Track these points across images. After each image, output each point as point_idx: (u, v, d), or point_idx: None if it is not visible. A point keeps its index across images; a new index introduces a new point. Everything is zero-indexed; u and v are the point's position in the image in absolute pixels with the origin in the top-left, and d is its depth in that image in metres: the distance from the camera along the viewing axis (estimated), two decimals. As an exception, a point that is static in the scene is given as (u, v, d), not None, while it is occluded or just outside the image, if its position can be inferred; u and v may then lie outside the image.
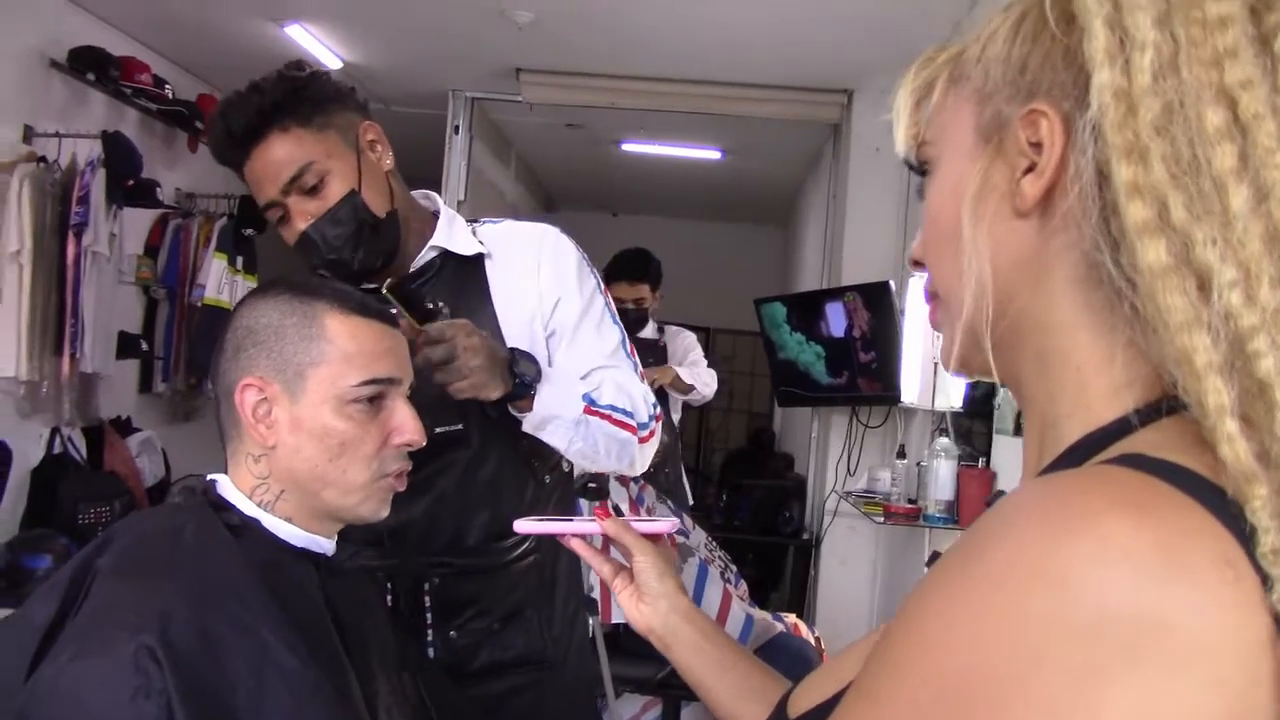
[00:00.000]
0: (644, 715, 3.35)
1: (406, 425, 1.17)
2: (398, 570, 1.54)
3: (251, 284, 4.53)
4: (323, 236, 1.45)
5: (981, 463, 3.20)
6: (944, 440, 3.19)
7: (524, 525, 1.06)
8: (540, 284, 1.56)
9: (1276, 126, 0.48)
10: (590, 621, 2.65)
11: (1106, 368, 0.54)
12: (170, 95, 4.39)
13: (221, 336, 1.16)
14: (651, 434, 1.57)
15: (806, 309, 4.44)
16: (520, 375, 1.42)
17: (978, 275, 0.58)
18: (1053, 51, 0.55)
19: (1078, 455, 0.54)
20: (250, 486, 1.13)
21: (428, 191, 1.66)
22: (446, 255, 1.57)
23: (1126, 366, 0.54)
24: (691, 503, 4.44)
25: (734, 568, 3.40)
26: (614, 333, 1.60)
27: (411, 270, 1.56)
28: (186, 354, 4.70)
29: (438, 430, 1.48)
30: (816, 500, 4.66)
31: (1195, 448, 0.49)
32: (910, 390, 3.80)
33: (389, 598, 1.54)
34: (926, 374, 3.65)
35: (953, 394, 3.46)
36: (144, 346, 4.58)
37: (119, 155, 3.93)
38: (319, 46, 4.40)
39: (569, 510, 1.72)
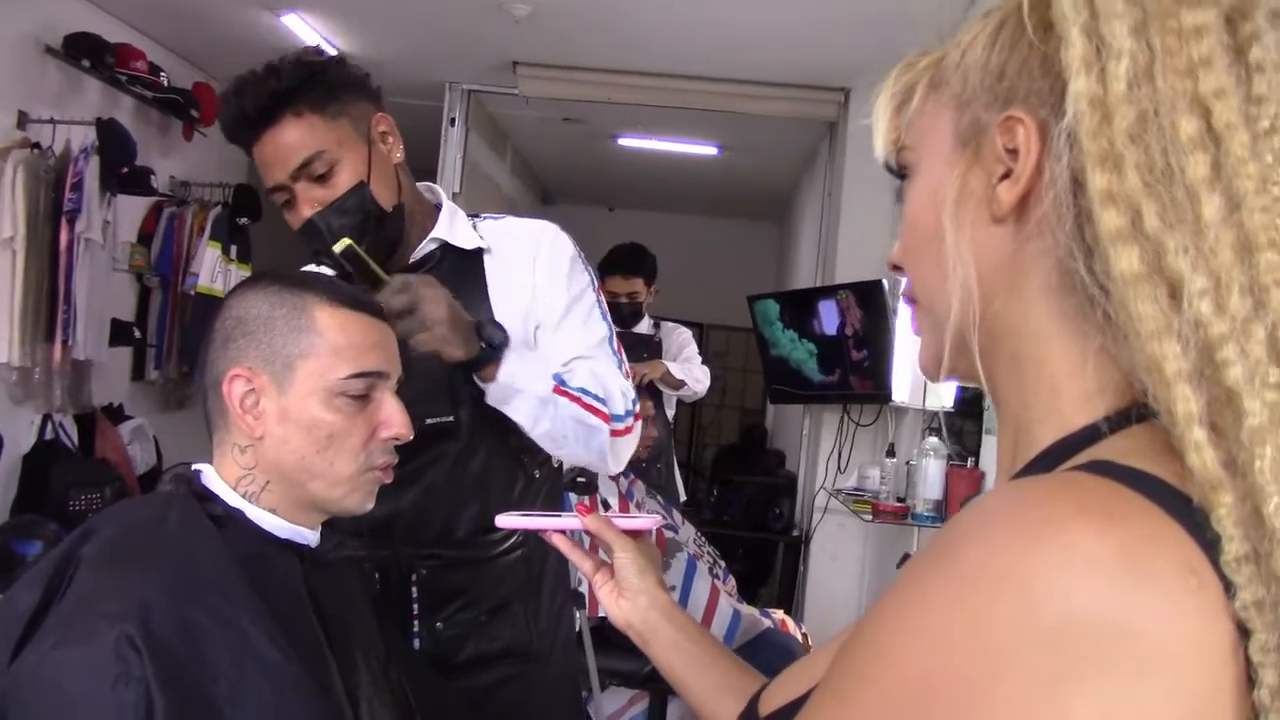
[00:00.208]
0: (630, 709, 3.36)
1: (394, 419, 1.17)
2: (386, 561, 1.54)
3: (245, 273, 4.53)
4: (328, 225, 1.45)
5: (971, 462, 3.21)
6: (933, 439, 3.20)
7: (506, 520, 1.06)
8: (534, 279, 1.56)
9: (1249, 136, 0.49)
10: (577, 615, 2.66)
11: (1079, 374, 0.55)
12: (166, 83, 4.37)
13: (210, 326, 1.16)
14: (628, 430, 1.53)
15: (799, 306, 4.44)
16: (488, 339, 1.42)
17: (963, 280, 0.58)
18: (1030, 59, 0.56)
19: (1049, 460, 0.54)
20: (236, 477, 1.13)
21: (431, 185, 1.66)
22: (446, 248, 1.57)
23: (1098, 373, 0.54)
24: (684, 498, 4.45)
25: (723, 563, 3.41)
26: (601, 328, 1.60)
27: (411, 261, 1.57)
28: (179, 342, 4.70)
29: (428, 421, 1.48)
30: (807, 497, 4.67)
31: (1163, 455, 0.49)
32: (901, 389, 3.80)
33: (376, 588, 1.55)
34: (918, 373, 3.65)
35: (944, 394, 3.47)
36: (137, 334, 4.58)
37: (113, 142, 3.93)
38: (315, 36, 4.38)
39: (557, 505, 1.72)
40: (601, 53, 4.52)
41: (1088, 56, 0.51)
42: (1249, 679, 0.45)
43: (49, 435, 4.02)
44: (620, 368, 1.58)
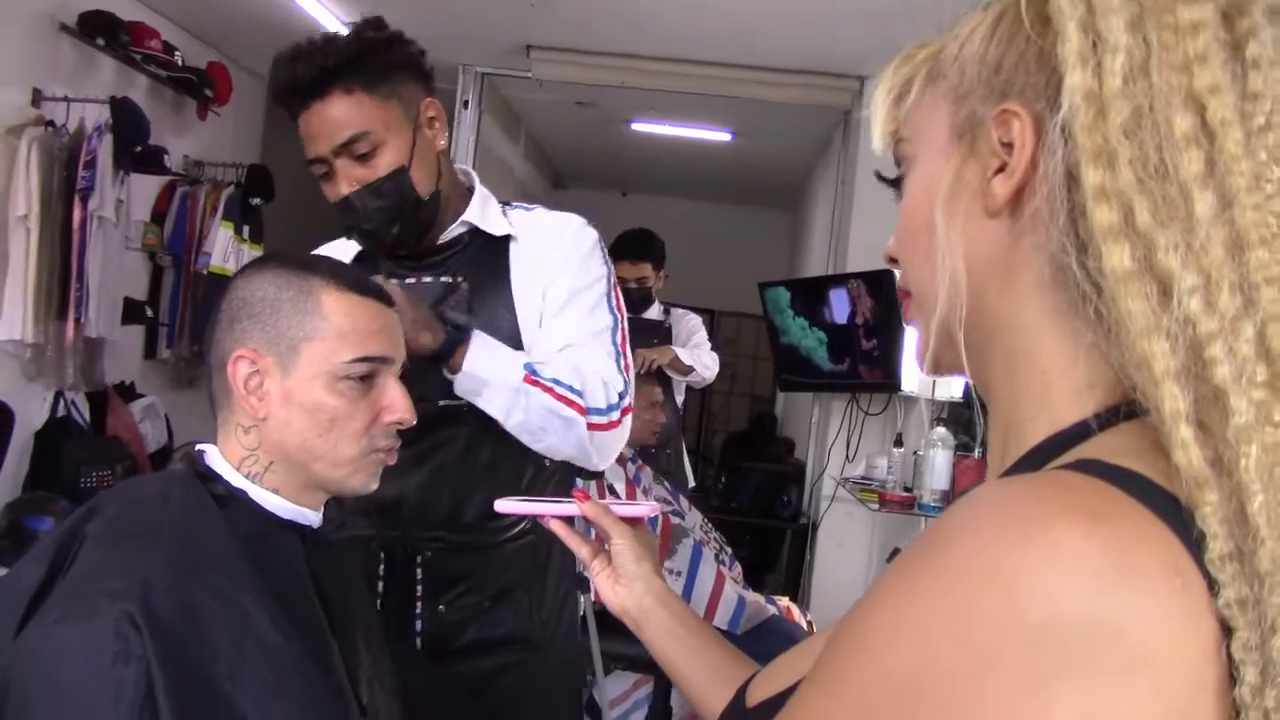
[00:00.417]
0: (634, 693, 3.37)
1: (397, 404, 1.18)
2: (392, 542, 1.55)
3: (258, 253, 4.54)
4: (364, 205, 1.46)
5: (978, 453, 3.21)
6: (940, 430, 3.20)
7: (505, 505, 1.06)
8: (552, 268, 1.56)
9: (1243, 133, 0.49)
10: (581, 599, 2.67)
11: (1070, 370, 0.55)
12: (180, 62, 4.38)
13: (216, 307, 1.17)
14: (611, 425, 1.50)
15: (810, 294, 4.43)
16: (451, 321, 1.42)
17: (951, 273, 0.58)
18: (1027, 53, 0.55)
19: (1038, 458, 0.54)
20: (239, 457, 1.14)
21: (466, 169, 1.66)
22: (475, 232, 1.58)
23: (1089, 369, 0.54)
24: (693, 484, 4.45)
25: (729, 550, 3.41)
26: (606, 318, 1.58)
27: (439, 243, 1.57)
28: (191, 321, 4.71)
29: (440, 404, 1.48)
30: (815, 485, 4.67)
31: (1151, 453, 0.49)
32: (911, 379, 3.80)
33: (381, 568, 1.55)
34: (926, 364, 3.65)
35: (953, 384, 3.46)
36: (149, 313, 4.60)
37: (126, 121, 3.93)
38: (329, 16, 4.38)
39: (568, 495, 1.72)
40: (615, 37, 4.51)
41: (1084, 51, 0.51)
42: (1231, 677, 0.45)
43: (61, 412, 4.04)
44: (618, 361, 1.56)
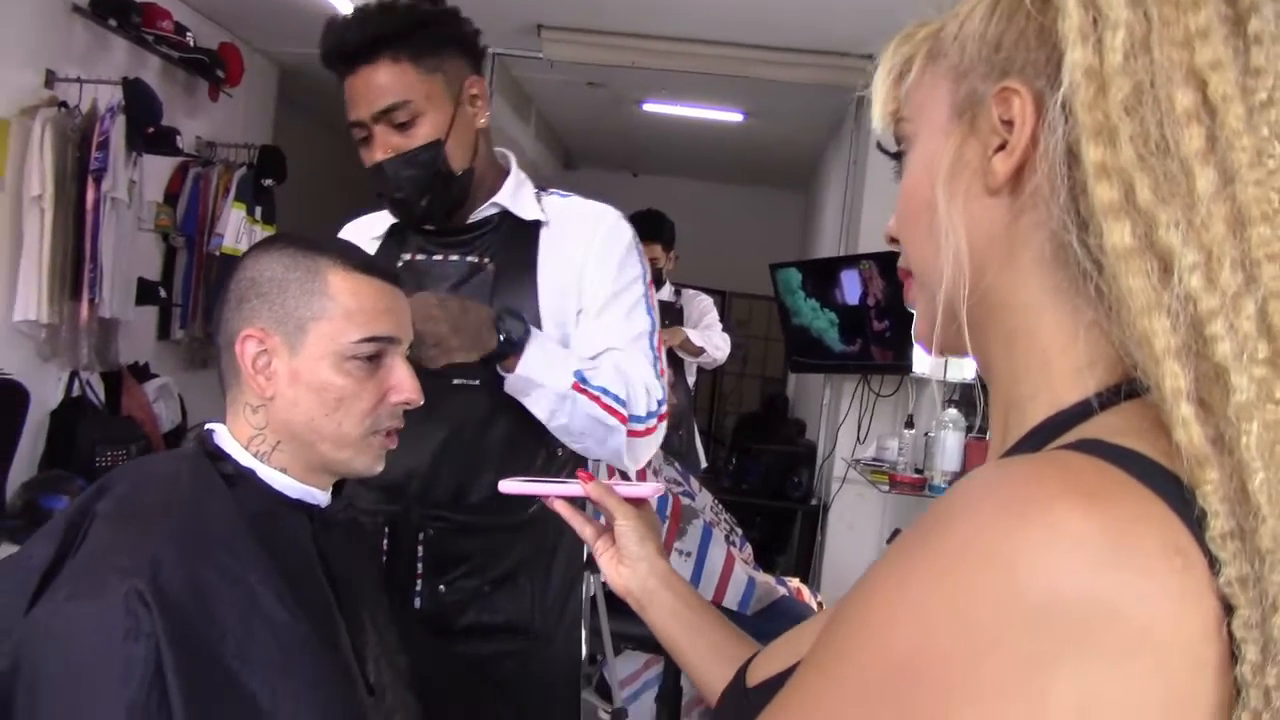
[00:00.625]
0: (644, 672, 3.39)
1: (404, 384, 1.18)
2: (397, 517, 1.55)
3: (270, 234, 4.55)
4: (396, 173, 1.47)
5: (989, 435, 3.21)
6: (952, 411, 3.19)
7: (509, 486, 1.06)
8: (586, 262, 1.56)
9: (1245, 109, 0.48)
10: (591, 579, 2.68)
11: (1070, 349, 0.54)
12: (192, 43, 4.38)
13: (225, 287, 1.17)
14: (649, 430, 1.52)
15: (822, 276, 4.42)
16: (506, 332, 1.41)
17: (954, 251, 0.58)
18: (1027, 29, 0.55)
19: (1039, 438, 0.54)
20: (247, 437, 1.14)
21: (505, 152, 1.66)
22: (506, 214, 1.58)
23: (1089, 348, 0.54)
24: (705, 465, 4.46)
25: (739, 531, 3.42)
26: (643, 322, 1.57)
27: (469, 222, 1.58)
28: (204, 302, 4.73)
29: (455, 382, 1.49)
30: (826, 466, 4.67)
31: (1153, 432, 0.49)
32: (922, 360, 3.79)
33: (385, 543, 1.56)
34: (938, 345, 3.64)
35: (965, 365, 3.45)
36: (162, 294, 4.62)
37: (139, 102, 3.94)
38: (341, -4, 4.38)
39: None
40: (626, 17, 4.49)
41: (1084, 27, 0.50)
42: (1232, 655, 0.45)
43: (76, 392, 4.06)
44: (654, 365, 1.56)
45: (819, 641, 0.52)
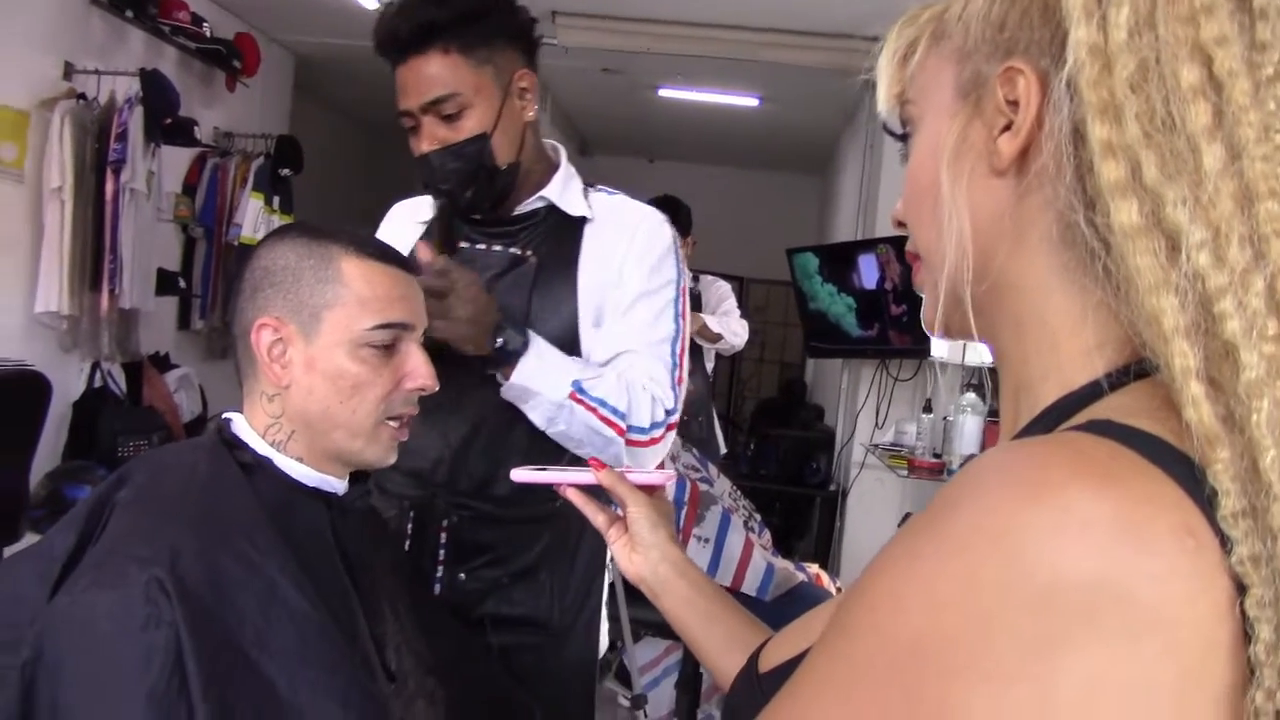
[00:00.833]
0: (664, 659, 3.40)
1: (419, 370, 1.18)
2: (422, 502, 1.56)
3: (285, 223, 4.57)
4: (441, 165, 1.48)
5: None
6: (970, 395, 3.18)
7: (521, 475, 1.06)
8: (625, 261, 1.55)
9: (1251, 84, 0.48)
10: (610, 566, 2.69)
11: (1079, 329, 0.54)
12: (208, 34, 4.40)
13: (239, 276, 1.18)
14: (652, 441, 1.51)
15: (839, 260, 4.41)
16: (502, 343, 1.42)
17: (958, 233, 0.57)
18: (1031, 8, 0.55)
19: (1050, 419, 0.54)
20: (264, 425, 1.15)
21: (556, 145, 1.66)
22: (552, 209, 1.58)
23: (1098, 328, 0.53)
24: (724, 451, 4.45)
25: (758, 516, 3.42)
26: (669, 328, 1.56)
27: (515, 214, 1.58)
28: (223, 292, 4.76)
29: (487, 372, 1.49)
30: (844, 452, 4.67)
31: (1163, 411, 0.49)
32: (940, 344, 3.77)
33: (409, 526, 1.57)
34: (956, 329, 3.63)
35: (984, 350, 3.43)
36: (182, 284, 4.65)
37: (156, 93, 3.96)
38: (356, -15, 4.38)
39: None
40: (640, 2, 4.47)
41: (1088, 5, 0.50)
42: (1245, 635, 0.45)
43: (98, 383, 4.10)
44: (672, 373, 1.55)
45: (830, 625, 0.52)
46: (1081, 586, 0.43)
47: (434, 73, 1.44)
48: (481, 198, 1.51)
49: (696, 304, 4.10)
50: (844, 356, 4.69)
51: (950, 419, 3.38)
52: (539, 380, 1.45)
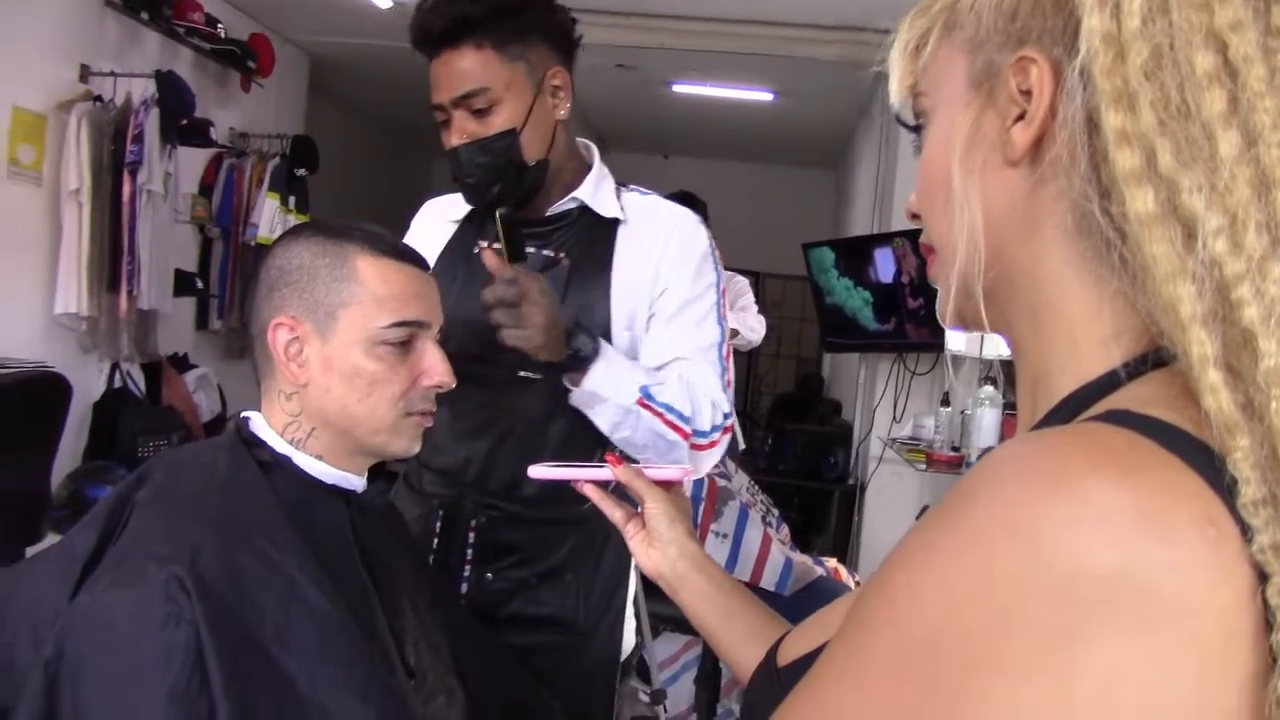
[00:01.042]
0: (683, 654, 3.40)
1: (436, 367, 1.18)
2: (451, 502, 1.57)
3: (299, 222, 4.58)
4: (469, 159, 1.48)
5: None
6: (988, 388, 3.16)
7: (538, 472, 1.06)
8: (660, 265, 1.54)
9: (1267, 70, 0.47)
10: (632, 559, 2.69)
11: (1095, 319, 0.54)
12: (222, 35, 4.42)
13: (255, 276, 1.19)
14: (712, 444, 1.51)
15: (855, 254, 4.39)
16: (576, 349, 1.41)
17: (969, 225, 0.57)
18: None
19: (1067, 410, 0.54)
20: (282, 424, 1.15)
21: (589, 144, 1.66)
22: (585, 210, 1.57)
23: (1115, 318, 0.53)
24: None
25: (776, 511, 3.41)
26: (714, 332, 1.56)
27: (548, 214, 1.57)
28: (241, 292, 4.78)
29: (520, 374, 1.50)
30: (862, 446, 4.65)
31: (1181, 400, 0.48)
32: (958, 337, 3.75)
33: (438, 525, 1.57)
34: (974, 321, 3.61)
35: (1001, 343, 3.41)
36: (199, 285, 4.67)
37: (172, 94, 3.98)
38: (369, -15, 4.39)
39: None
40: (654, -2, 4.47)
41: None
42: (1267, 624, 0.44)
43: (117, 384, 4.13)
44: (721, 377, 1.55)
45: (848, 619, 0.52)
46: (1101, 577, 0.42)
47: (466, 67, 1.44)
48: (508, 194, 1.50)
49: (713, 300, 4.09)
50: (861, 351, 4.68)
51: (968, 412, 3.36)
52: (609, 386, 1.44)
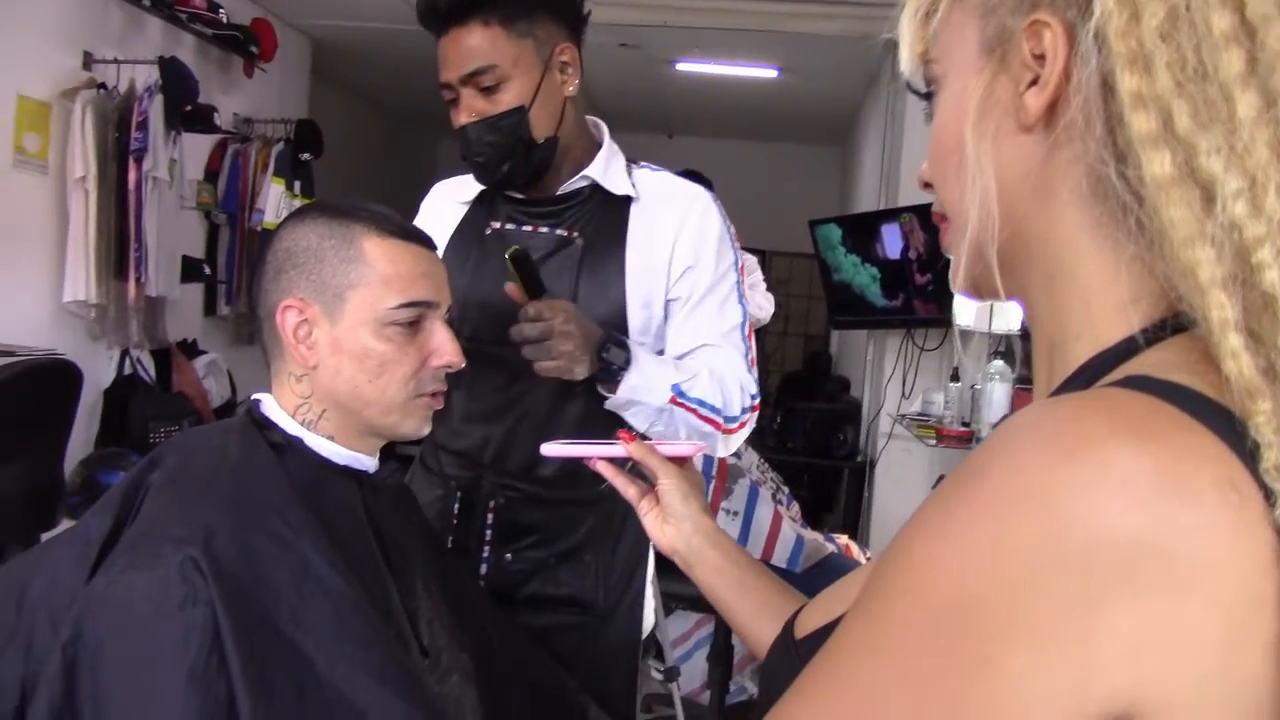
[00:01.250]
0: (696, 632, 3.41)
1: (445, 348, 1.18)
2: (470, 483, 1.57)
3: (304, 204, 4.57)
4: (478, 137, 1.47)
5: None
6: (998, 363, 3.15)
7: (550, 449, 1.06)
8: (677, 245, 1.54)
9: None
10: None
11: (1112, 284, 0.53)
12: (224, 20, 4.39)
13: (262, 259, 1.18)
14: (742, 425, 1.54)
15: (862, 231, 4.37)
16: (609, 362, 1.41)
17: (982, 191, 0.56)
18: None
19: (1085, 377, 0.53)
20: (293, 406, 1.15)
21: (598, 121, 1.65)
22: (596, 188, 1.56)
23: (1132, 283, 0.52)
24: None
25: (786, 489, 3.42)
26: (736, 313, 1.57)
27: (559, 193, 1.57)
28: (248, 278, 4.78)
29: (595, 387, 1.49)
30: (871, 423, 4.65)
31: (1201, 365, 0.48)
32: (967, 313, 3.73)
33: (456, 506, 1.58)
34: (983, 295, 3.59)
35: (1011, 317, 3.40)
36: (207, 271, 4.67)
37: (175, 81, 3.96)
38: (370, -33, 4.37)
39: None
40: (657, -26, 4.44)
41: None
42: None
43: (128, 370, 4.13)
44: (746, 358, 1.56)
45: (864, 590, 0.51)
46: (1122, 544, 0.42)
47: (473, 44, 1.44)
48: (517, 172, 1.50)
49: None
50: (869, 328, 4.67)
51: (978, 387, 3.35)
52: (643, 391, 1.45)
